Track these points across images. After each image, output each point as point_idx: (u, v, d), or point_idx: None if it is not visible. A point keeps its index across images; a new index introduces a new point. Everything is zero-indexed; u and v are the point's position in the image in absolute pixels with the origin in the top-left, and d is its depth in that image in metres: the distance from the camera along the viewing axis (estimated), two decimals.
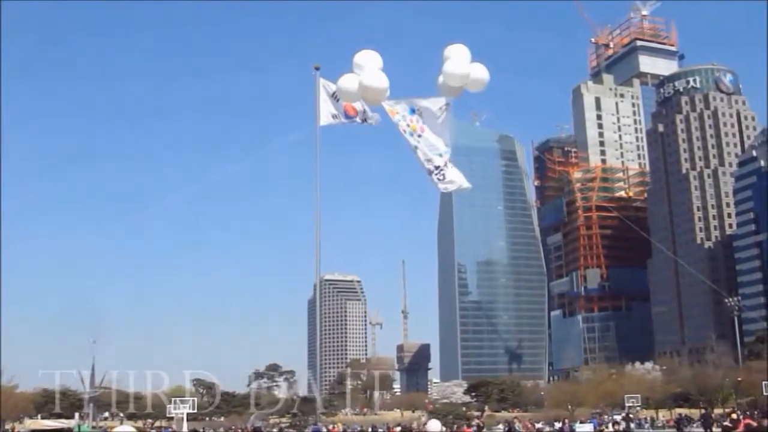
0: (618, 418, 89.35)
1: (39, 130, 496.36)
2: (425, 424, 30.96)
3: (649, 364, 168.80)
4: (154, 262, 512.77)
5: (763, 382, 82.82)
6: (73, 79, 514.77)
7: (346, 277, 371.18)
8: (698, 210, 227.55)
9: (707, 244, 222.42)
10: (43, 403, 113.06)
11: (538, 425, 73.73)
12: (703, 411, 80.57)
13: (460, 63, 15.98)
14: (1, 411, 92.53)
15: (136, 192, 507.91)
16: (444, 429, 21.24)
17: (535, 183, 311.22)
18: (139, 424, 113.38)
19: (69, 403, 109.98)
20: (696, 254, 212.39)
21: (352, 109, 20.48)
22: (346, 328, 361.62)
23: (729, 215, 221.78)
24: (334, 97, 20.90)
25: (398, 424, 71.70)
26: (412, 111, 16.54)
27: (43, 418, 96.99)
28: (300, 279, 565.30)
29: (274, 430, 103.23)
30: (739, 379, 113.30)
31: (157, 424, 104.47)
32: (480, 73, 16.28)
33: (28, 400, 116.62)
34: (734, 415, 46.88)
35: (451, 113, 16.87)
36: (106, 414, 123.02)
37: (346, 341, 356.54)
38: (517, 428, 64.03)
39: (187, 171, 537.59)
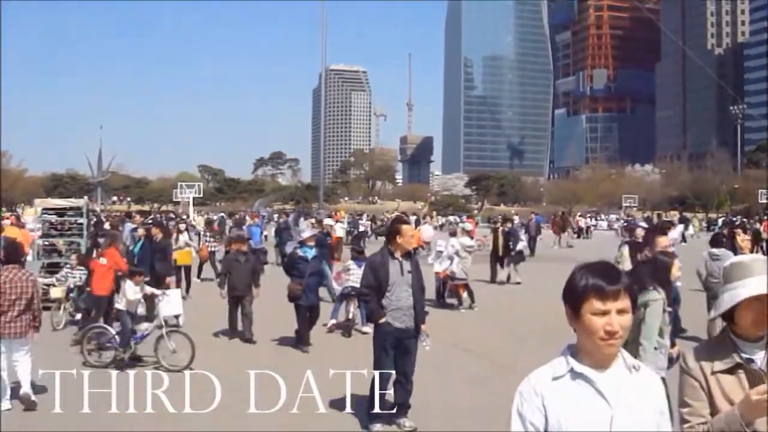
0: (613, 218, 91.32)
1: None
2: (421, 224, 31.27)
3: (648, 167, 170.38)
4: (161, 49, 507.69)
5: (760, 190, 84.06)
6: None
7: (351, 68, 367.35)
8: (711, 15, 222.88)
9: (717, 51, 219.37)
10: (53, 187, 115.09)
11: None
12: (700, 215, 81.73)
13: None
14: (12, 194, 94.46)
15: None
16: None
17: None
18: (146, 208, 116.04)
19: (77, 188, 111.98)
20: (705, 60, 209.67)
21: None
22: (350, 119, 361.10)
23: (743, 23, 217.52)
24: None
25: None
26: None
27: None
28: (305, 68, 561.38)
29: None
30: (736, 186, 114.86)
31: (164, 208, 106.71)
32: None
33: (37, 184, 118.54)
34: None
35: None
36: (114, 198, 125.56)
37: (350, 131, 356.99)
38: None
39: None
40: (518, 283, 26.05)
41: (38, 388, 10.28)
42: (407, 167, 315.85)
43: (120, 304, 13.19)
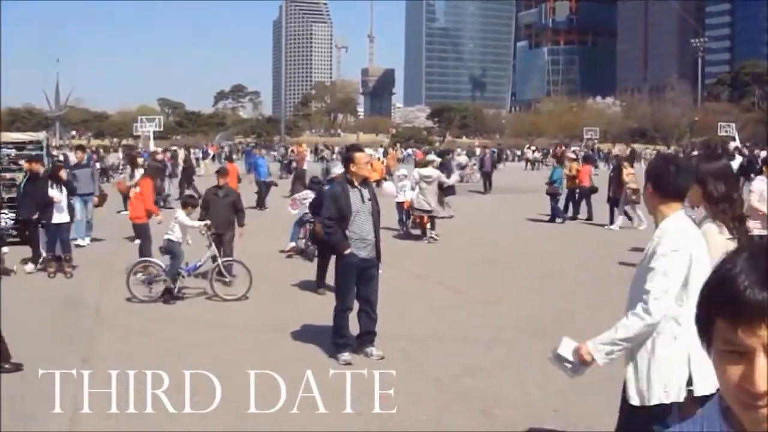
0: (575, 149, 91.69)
1: None
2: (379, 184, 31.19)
3: (609, 99, 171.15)
4: None
5: (719, 123, 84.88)
6: None
7: None
8: None
9: None
10: (10, 122, 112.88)
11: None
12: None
13: None
14: None
15: None
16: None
17: None
18: (106, 142, 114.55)
19: (35, 122, 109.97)
20: None
21: None
22: (311, 51, 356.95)
23: None
24: None
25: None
26: None
27: None
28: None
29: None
30: (696, 118, 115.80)
31: (124, 142, 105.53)
32: None
33: None
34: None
35: None
36: (73, 133, 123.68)
37: (311, 63, 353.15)
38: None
39: None
40: (450, 216, 25.63)
41: None
42: (369, 100, 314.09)
43: (172, 235, 12.97)
